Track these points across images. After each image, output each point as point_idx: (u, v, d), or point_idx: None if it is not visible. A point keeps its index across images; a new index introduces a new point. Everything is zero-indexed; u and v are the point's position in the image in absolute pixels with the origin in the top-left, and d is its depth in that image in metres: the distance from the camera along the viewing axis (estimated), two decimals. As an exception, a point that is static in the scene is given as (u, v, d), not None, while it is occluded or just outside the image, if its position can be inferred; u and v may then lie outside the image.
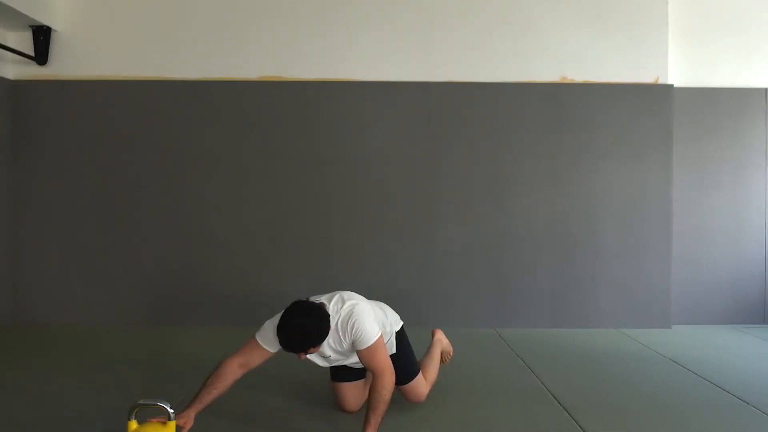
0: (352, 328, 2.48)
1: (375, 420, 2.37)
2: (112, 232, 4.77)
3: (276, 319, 2.46)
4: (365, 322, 2.50)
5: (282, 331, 2.35)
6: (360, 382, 2.88)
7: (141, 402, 2.29)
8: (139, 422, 2.29)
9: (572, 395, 3.16)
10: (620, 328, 4.78)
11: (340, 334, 2.51)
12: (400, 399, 3.05)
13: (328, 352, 2.59)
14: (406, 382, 2.85)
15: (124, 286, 4.77)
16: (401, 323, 2.93)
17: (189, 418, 2.38)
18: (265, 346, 2.49)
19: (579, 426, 2.75)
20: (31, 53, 4.72)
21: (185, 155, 4.77)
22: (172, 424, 2.27)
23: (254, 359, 2.51)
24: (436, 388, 3.25)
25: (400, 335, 2.88)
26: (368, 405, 2.43)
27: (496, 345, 4.27)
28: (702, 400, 3.13)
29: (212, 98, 4.77)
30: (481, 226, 4.81)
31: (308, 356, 2.51)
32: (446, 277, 4.79)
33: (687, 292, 4.97)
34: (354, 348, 2.53)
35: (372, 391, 2.45)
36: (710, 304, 5.00)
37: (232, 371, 2.47)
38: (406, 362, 2.85)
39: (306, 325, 2.37)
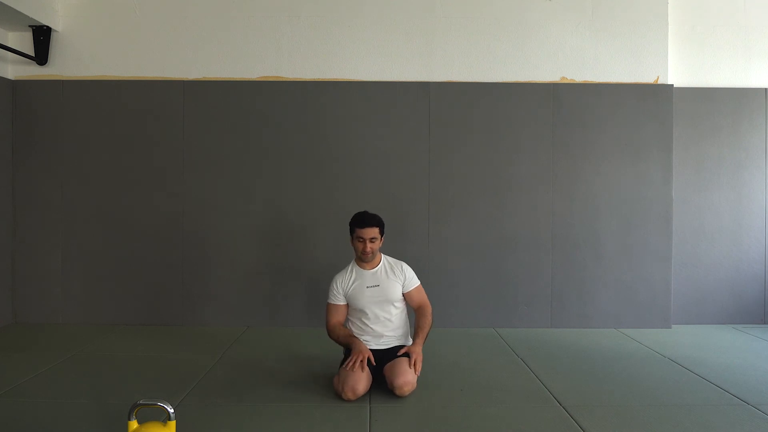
0: (402, 269, 3.36)
1: (423, 335, 3.23)
2: (111, 231, 4.77)
3: (335, 281, 3.34)
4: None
5: (360, 214, 3.32)
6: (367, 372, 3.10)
7: (141, 402, 2.30)
8: (139, 422, 2.30)
9: (572, 395, 3.16)
10: (620, 328, 4.78)
11: (394, 268, 3.35)
12: (399, 400, 3.06)
13: (381, 275, 3.32)
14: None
15: (124, 286, 4.77)
16: None
17: (364, 346, 3.13)
18: (338, 303, 3.33)
19: (579, 426, 2.75)
20: (31, 53, 4.72)
21: (185, 155, 4.77)
22: (172, 424, 2.27)
23: (340, 316, 3.34)
24: (435, 388, 3.25)
25: None
26: (418, 326, 3.25)
27: (496, 345, 4.27)
28: (702, 400, 3.13)
29: (212, 98, 4.78)
30: (481, 226, 4.81)
31: (349, 284, 3.32)
32: (446, 277, 4.79)
33: (687, 292, 4.97)
34: (403, 286, 3.33)
35: (422, 316, 3.29)
36: (710, 304, 5.00)
37: (339, 324, 3.31)
38: None
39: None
